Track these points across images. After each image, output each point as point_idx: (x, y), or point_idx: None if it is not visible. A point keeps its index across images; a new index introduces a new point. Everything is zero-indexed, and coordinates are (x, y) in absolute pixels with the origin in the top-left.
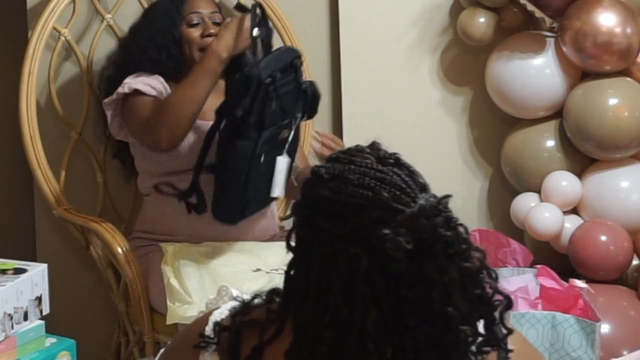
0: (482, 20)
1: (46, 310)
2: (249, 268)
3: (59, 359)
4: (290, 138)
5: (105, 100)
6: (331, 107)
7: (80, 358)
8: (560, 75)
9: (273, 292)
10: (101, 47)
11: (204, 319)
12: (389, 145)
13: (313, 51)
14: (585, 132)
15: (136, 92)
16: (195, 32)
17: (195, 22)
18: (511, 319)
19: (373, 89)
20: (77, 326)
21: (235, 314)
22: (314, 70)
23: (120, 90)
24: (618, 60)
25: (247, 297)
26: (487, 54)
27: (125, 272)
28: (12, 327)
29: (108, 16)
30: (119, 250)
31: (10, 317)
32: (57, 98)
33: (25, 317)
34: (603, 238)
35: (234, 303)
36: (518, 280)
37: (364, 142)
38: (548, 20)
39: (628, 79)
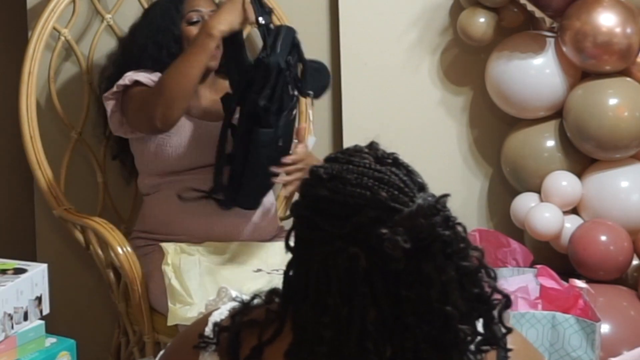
0: (482, 20)
1: (46, 310)
2: (250, 268)
3: (59, 359)
4: (297, 116)
5: (106, 94)
6: (331, 107)
7: (80, 358)
8: (560, 75)
9: (272, 292)
10: (101, 47)
11: (203, 320)
12: (389, 145)
13: (313, 51)
14: (585, 132)
15: (136, 84)
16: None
17: (194, 19)
18: (511, 319)
19: (373, 89)
20: (77, 326)
21: (234, 314)
22: None
23: (120, 82)
24: (618, 60)
25: (246, 297)
26: (487, 54)
27: (125, 272)
28: (12, 327)
29: (108, 16)
30: (119, 250)
31: (10, 317)
32: (57, 98)
33: (25, 317)
34: (603, 238)
35: (234, 304)
36: (518, 280)
37: (364, 142)
38: (548, 20)
39: (628, 79)
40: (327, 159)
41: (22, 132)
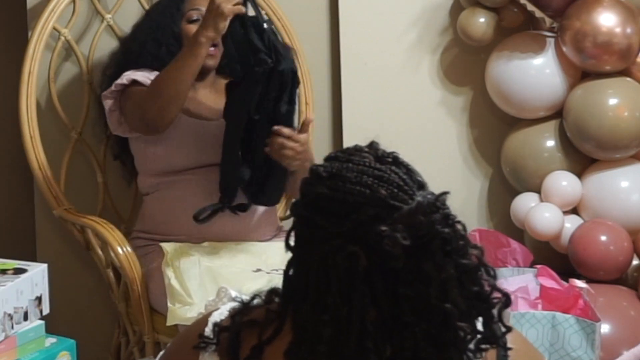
0: (482, 20)
1: (46, 310)
2: (250, 268)
3: (59, 359)
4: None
5: (104, 93)
6: (331, 107)
7: (80, 358)
8: (560, 75)
9: (272, 292)
10: (101, 47)
11: (203, 320)
12: (389, 145)
13: (313, 51)
14: (585, 132)
15: (134, 83)
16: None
17: (195, 18)
18: (511, 319)
19: (373, 89)
20: (77, 326)
21: (234, 314)
22: (314, 70)
23: (119, 81)
24: (618, 60)
25: (246, 297)
26: (487, 54)
27: (125, 272)
28: (12, 327)
29: (108, 16)
30: (119, 250)
31: (10, 317)
32: (57, 98)
33: (25, 317)
34: (603, 238)
35: (233, 304)
36: (518, 280)
37: (364, 142)
38: (548, 20)
39: (628, 79)
40: (327, 158)
41: (22, 132)
